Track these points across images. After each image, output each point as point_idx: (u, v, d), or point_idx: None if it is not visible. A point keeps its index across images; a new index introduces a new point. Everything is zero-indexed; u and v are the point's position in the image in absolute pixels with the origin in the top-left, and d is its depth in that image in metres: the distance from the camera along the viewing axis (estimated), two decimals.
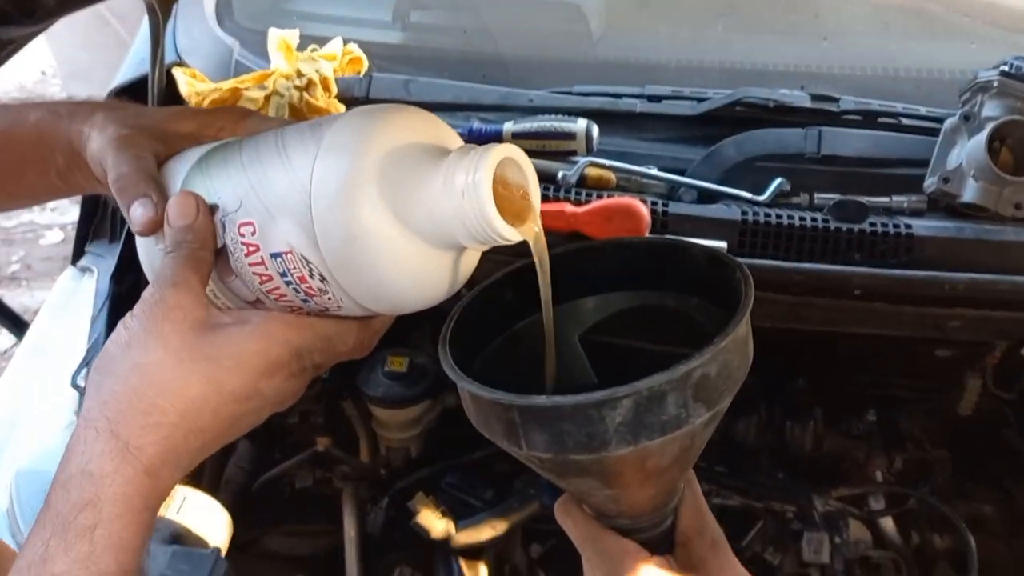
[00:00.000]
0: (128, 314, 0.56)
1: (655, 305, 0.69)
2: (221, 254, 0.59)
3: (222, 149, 0.62)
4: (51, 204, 4.03)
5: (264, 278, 0.58)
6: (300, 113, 1.26)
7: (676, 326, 0.68)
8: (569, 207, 1.15)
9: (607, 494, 0.63)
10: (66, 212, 3.91)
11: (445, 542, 1.23)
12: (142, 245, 0.65)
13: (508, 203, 0.56)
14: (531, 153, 1.19)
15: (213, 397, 0.54)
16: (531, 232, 0.59)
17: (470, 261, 0.61)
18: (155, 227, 0.59)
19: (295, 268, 0.56)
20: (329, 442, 1.37)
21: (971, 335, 1.20)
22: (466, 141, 1.32)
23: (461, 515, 1.26)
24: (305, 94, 1.26)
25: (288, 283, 0.58)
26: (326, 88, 1.29)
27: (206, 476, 1.39)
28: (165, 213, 0.59)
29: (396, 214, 0.55)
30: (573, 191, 1.21)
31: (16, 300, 3.19)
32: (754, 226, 1.16)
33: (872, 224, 1.16)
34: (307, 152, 0.56)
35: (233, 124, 0.67)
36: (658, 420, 0.53)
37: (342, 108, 1.30)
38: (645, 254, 0.69)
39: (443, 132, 0.60)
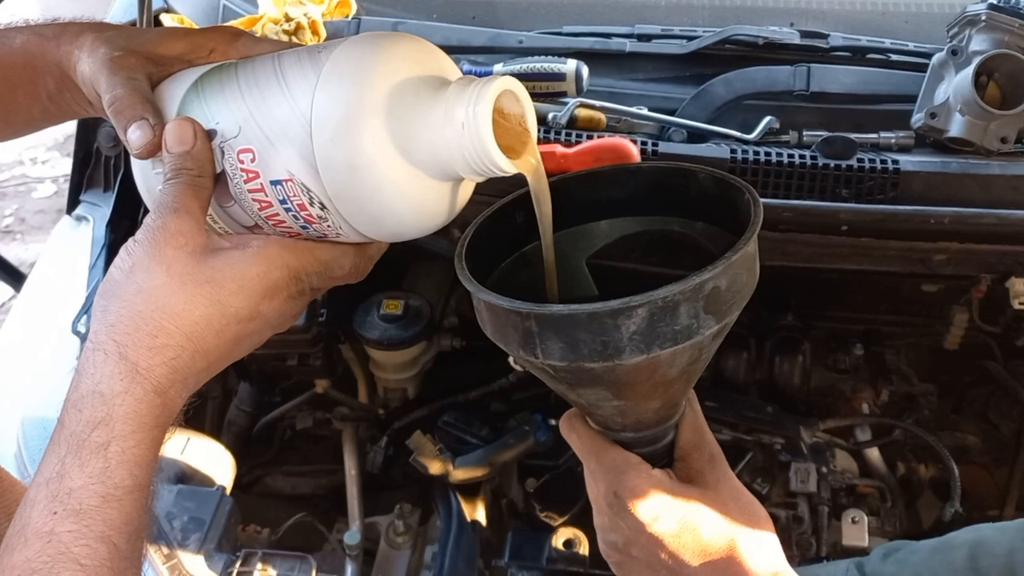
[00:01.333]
0: (131, 240, 0.57)
1: (660, 230, 0.70)
2: (220, 180, 0.60)
3: (217, 72, 0.62)
4: (42, 157, 4.00)
5: (263, 204, 0.59)
6: None
7: (681, 250, 0.69)
8: (559, 148, 1.16)
9: (615, 405, 0.64)
10: (57, 165, 3.89)
11: (443, 478, 1.27)
12: (139, 169, 0.65)
13: (506, 134, 0.57)
14: None
15: (217, 319, 0.55)
16: (528, 165, 0.60)
17: (467, 190, 0.62)
18: (153, 149, 0.59)
19: (295, 196, 0.57)
20: (328, 384, 1.39)
21: (956, 269, 1.22)
22: None
23: (458, 452, 1.29)
24: (294, 38, 1.26)
25: (288, 210, 0.59)
26: (315, 32, 1.29)
27: (209, 419, 1.43)
28: (163, 139, 0.59)
29: (397, 145, 0.56)
30: (563, 132, 1.22)
31: (11, 253, 3.18)
32: (743, 164, 1.17)
33: (860, 160, 1.17)
34: (306, 80, 0.56)
35: (225, 45, 0.66)
36: (670, 330, 0.55)
37: None
38: (652, 180, 0.69)
39: (442, 62, 0.60)
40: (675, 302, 0.54)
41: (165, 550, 1.06)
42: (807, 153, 1.19)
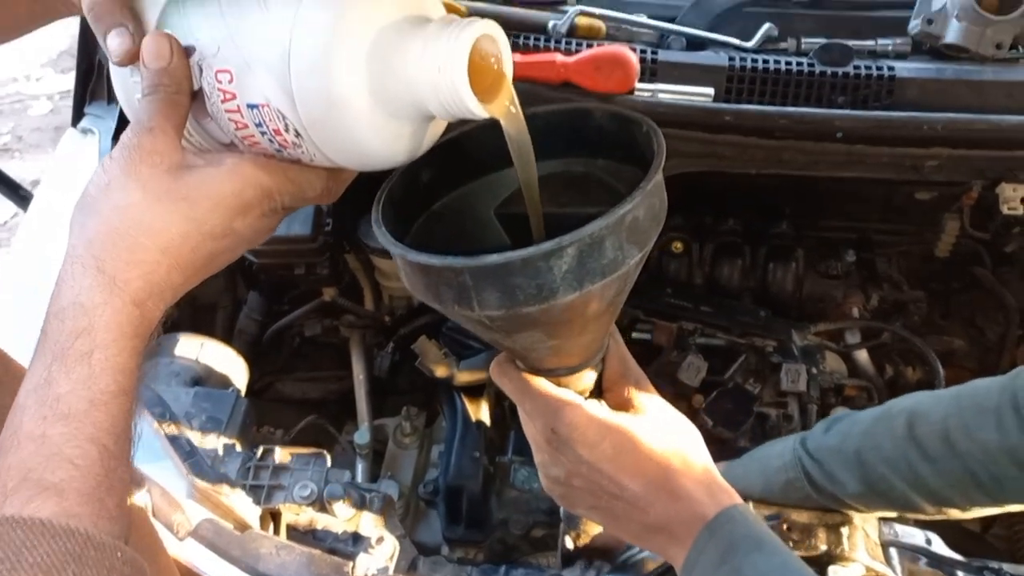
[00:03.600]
0: (107, 156, 0.58)
1: (563, 172, 0.71)
2: (198, 96, 0.60)
3: None
4: (36, 74, 3.97)
5: (239, 125, 0.60)
6: None
7: (588, 188, 0.70)
8: (560, 57, 1.18)
9: (548, 346, 0.66)
10: (52, 82, 3.86)
11: (448, 380, 1.32)
12: (117, 76, 0.65)
13: (483, 76, 0.58)
14: (522, 3, 1.22)
15: (192, 235, 0.57)
16: (502, 108, 0.61)
17: (440, 125, 0.64)
18: (131, 58, 0.59)
19: (271, 121, 0.58)
20: (335, 292, 1.43)
21: (948, 175, 1.25)
22: None
23: (462, 356, 1.33)
24: None
25: (263, 133, 0.59)
26: None
27: (219, 327, 1.47)
28: (140, 51, 0.59)
29: (373, 82, 0.57)
30: (563, 41, 1.23)
31: (9, 171, 3.18)
32: (741, 72, 1.19)
33: (856, 67, 1.19)
34: (287, 5, 0.56)
35: None
36: (599, 264, 0.57)
37: None
38: (550, 123, 0.69)
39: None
40: (601, 237, 0.56)
41: (186, 447, 1.11)
42: (804, 60, 1.21)
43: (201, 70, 0.59)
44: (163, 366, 1.27)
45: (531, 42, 1.23)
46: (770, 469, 0.99)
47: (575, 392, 0.73)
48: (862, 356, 1.44)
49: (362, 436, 1.36)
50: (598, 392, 0.75)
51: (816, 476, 0.94)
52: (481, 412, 1.35)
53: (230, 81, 0.58)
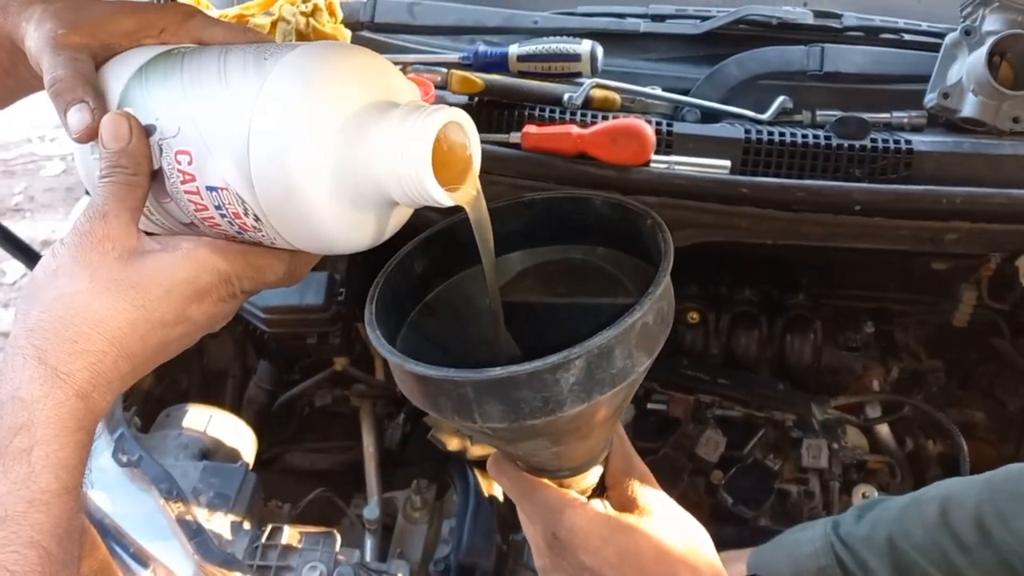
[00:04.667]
0: (58, 241, 0.56)
1: (561, 259, 0.70)
2: (158, 176, 0.59)
3: (164, 60, 0.60)
4: (50, 135, 4.01)
5: (199, 207, 0.59)
6: (307, 39, 1.27)
7: (586, 277, 0.68)
8: (575, 129, 1.17)
9: (552, 451, 0.64)
10: (65, 143, 3.90)
11: (461, 454, 1.29)
12: (79, 153, 0.63)
13: (449, 163, 0.57)
14: (537, 76, 1.22)
15: (141, 324, 0.55)
16: (467, 196, 0.59)
17: (406, 210, 0.62)
18: (92, 134, 0.58)
19: (230, 204, 0.57)
20: (346, 362, 1.41)
21: (967, 248, 1.24)
22: (472, 64, 1.32)
23: None
24: (311, 19, 1.27)
25: (223, 216, 0.58)
26: (332, 13, 1.30)
27: (229, 396, 1.45)
28: (99, 133, 0.57)
29: (334, 169, 0.55)
30: (579, 113, 1.23)
31: (21, 231, 3.19)
32: (757, 144, 1.19)
33: (873, 140, 1.18)
34: (248, 89, 0.55)
35: (176, 25, 0.64)
36: (607, 374, 0.55)
37: (348, 34, 1.31)
38: (548, 210, 0.68)
39: (393, 82, 0.59)
40: (610, 347, 0.54)
41: (193, 526, 1.09)
42: (820, 133, 1.20)
43: (161, 150, 0.58)
44: (171, 438, 1.25)
45: (546, 114, 1.23)
46: (800, 556, 0.96)
47: (577, 491, 0.70)
48: (883, 430, 1.41)
49: (371, 511, 1.33)
50: (601, 489, 0.72)
51: (849, 564, 0.92)
52: (494, 487, 1.32)
53: (190, 163, 0.57)
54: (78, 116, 0.58)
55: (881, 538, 0.89)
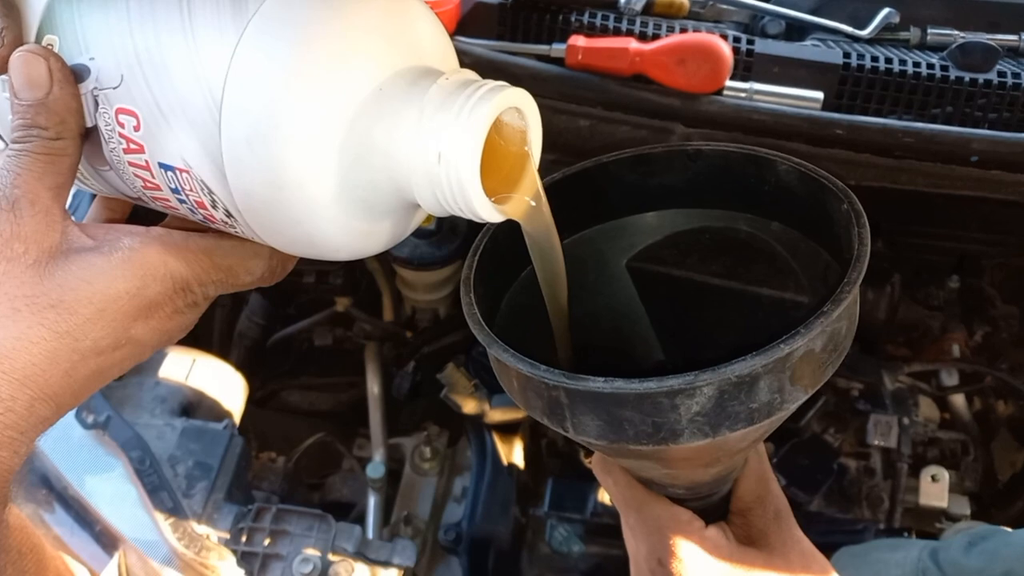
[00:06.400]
0: None
1: (724, 227, 0.57)
2: (93, 135, 0.43)
3: None
4: None
5: (149, 185, 0.43)
6: None
7: (751, 256, 0.56)
8: (634, 44, 0.95)
9: (664, 472, 0.54)
10: None
11: (478, 417, 1.13)
12: None
13: (499, 161, 0.41)
14: None
15: (64, 355, 0.40)
16: (522, 207, 0.44)
17: (423, 214, 0.46)
18: (1, 65, 0.42)
19: (192, 191, 0.41)
20: (349, 303, 1.24)
21: None
22: None
23: (494, 388, 1.15)
24: None
25: (181, 202, 0.42)
26: None
27: (217, 328, 1.28)
28: (8, 74, 0.42)
29: (340, 162, 0.39)
30: (638, 22, 1.00)
31: None
32: (857, 72, 0.96)
33: (1001, 74, 0.96)
34: (222, 35, 0.38)
35: None
36: (745, 409, 0.42)
37: None
38: (717, 165, 0.55)
39: (427, 37, 0.42)
40: (754, 377, 0.42)
41: (167, 502, 0.94)
42: (935, 60, 0.98)
43: (97, 103, 0.41)
44: (147, 388, 1.09)
45: (597, 21, 1.00)
46: None
47: (694, 512, 0.58)
48: (958, 400, 1.24)
49: (376, 469, 1.18)
50: (723, 514, 0.59)
51: None
52: (514, 453, 1.17)
53: (136, 128, 0.40)
54: None
55: (996, 572, 0.79)
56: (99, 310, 0.40)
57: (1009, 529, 0.89)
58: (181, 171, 0.40)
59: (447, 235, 1.14)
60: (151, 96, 0.39)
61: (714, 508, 0.59)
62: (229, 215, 0.41)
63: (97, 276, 0.40)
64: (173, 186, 0.42)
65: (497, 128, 0.40)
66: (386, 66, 0.39)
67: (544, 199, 0.45)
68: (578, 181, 0.55)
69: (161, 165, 0.41)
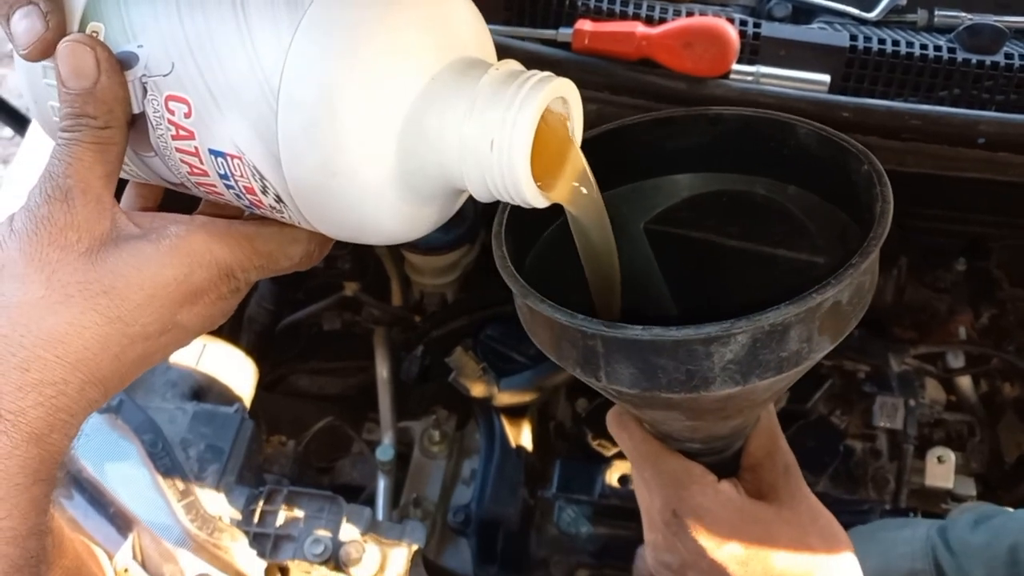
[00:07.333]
0: (5, 224, 0.42)
1: (741, 191, 0.59)
2: (139, 121, 0.44)
3: None
4: None
5: (196, 171, 0.45)
6: None
7: (767, 219, 0.57)
8: (640, 28, 0.95)
9: (687, 425, 0.55)
10: None
11: (486, 401, 1.14)
12: (25, 74, 0.48)
13: (545, 148, 0.43)
14: None
15: (115, 340, 0.42)
16: (567, 191, 0.46)
17: (465, 196, 0.48)
18: (46, 49, 0.44)
19: (242, 177, 0.43)
20: (357, 288, 1.25)
21: None
22: None
23: (502, 371, 1.16)
24: None
25: (229, 188, 0.44)
26: None
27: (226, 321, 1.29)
28: (55, 62, 0.43)
29: (393, 149, 0.41)
30: (645, 5, 1.00)
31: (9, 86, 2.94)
32: (864, 55, 0.96)
33: (1008, 56, 0.96)
34: (277, 28, 0.40)
35: None
36: (775, 357, 0.44)
37: None
38: (736, 129, 0.56)
39: (476, 32, 0.45)
40: (786, 326, 0.44)
41: (180, 485, 0.95)
42: (943, 43, 0.98)
43: (146, 90, 0.43)
44: (159, 373, 1.09)
45: (604, 5, 1.00)
46: (893, 555, 0.86)
47: (707, 467, 0.60)
48: (965, 382, 1.24)
49: (385, 452, 1.19)
50: (735, 469, 0.62)
51: (948, 570, 0.82)
52: (522, 435, 1.17)
53: (187, 115, 0.42)
54: (25, 23, 0.43)
55: (1002, 548, 0.80)
56: (149, 296, 0.42)
57: (1011, 510, 0.90)
58: (233, 157, 0.42)
59: (455, 220, 1.14)
60: (203, 84, 0.41)
61: (726, 463, 0.61)
62: (279, 200, 0.43)
63: (146, 263, 0.42)
64: (222, 172, 0.43)
65: (543, 116, 0.42)
66: (438, 57, 0.41)
67: (594, 184, 0.47)
68: (598, 144, 0.56)
69: (211, 151, 0.42)
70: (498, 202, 0.45)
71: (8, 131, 3.07)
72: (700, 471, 0.59)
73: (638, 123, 0.57)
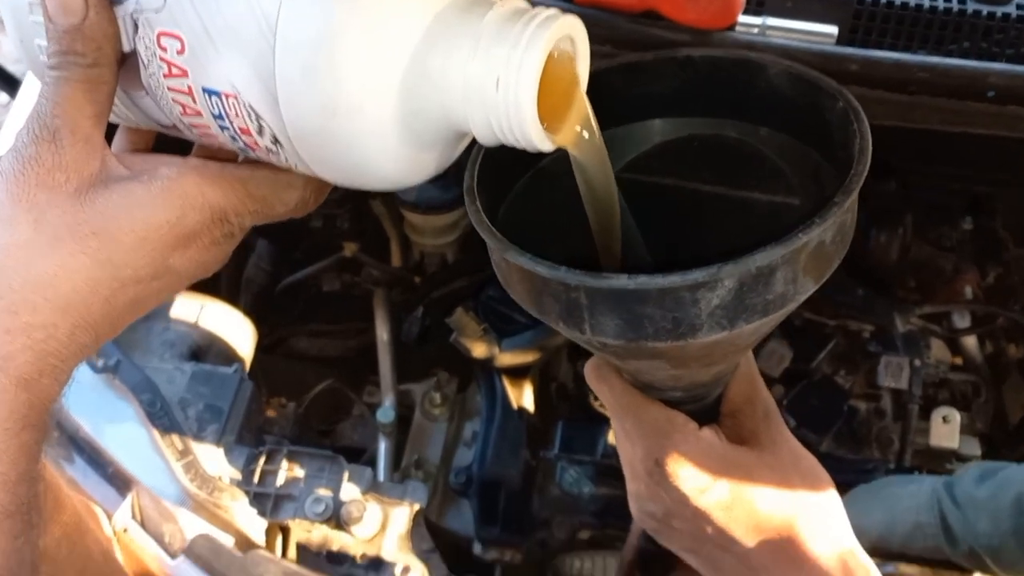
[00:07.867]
0: None
1: (711, 135, 0.57)
2: (130, 60, 0.43)
3: None
4: None
5: (188, 111, 0.43)
6: None
7: (740, 162, 0.56)
8: None
9: (670, 374, 0.54)
10: None
11: (487, 361, 1.13)
12: (12, 11, 0.45)
13: (550, 89, 0.41)
14: None
15: (105, 283, 0.41)
16: (572, 135, 0.44)
17: (467, 140, 0.47)
18: None
19: (237, 117, 0.41)
20: (356, 248, 1.23)
21: None
22: None
23: (504, 332, 1.14)
24: None
25: (223, 128, 0.43)
26: None
27: (224, 280, 1.28)
28: None
29: (395, 90, 0.39)
30: None
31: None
32: (872, 7, 0.94)
33: (1020, 7, 0.94)
34: None
35: None
36: (761, 300, 0.43)
37: None
38: (706, 73, 0.54)
39: None
40: (772, 268, 0.42)
41: (179, 444, 0.95)
42: None
43: (136, 26, 0.41)
44: (156, 333, 1.09)
45: None
46: (898, 508, 0.87)
47: (687, 415, 0.59)
48: (970, 342, 1.23)
49: (386, 414, 1.19)
50: (715, 416, 0.60)
51: (954, 525, 0.83)
52: (524, 396, 1.17)
53: (179, 52, 0.40)
54: None
55: (1007, 499, 0.81)
56: (140, 238, 0.41)
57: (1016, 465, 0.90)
58: (228, 96, 0.40)
59: (455, 178, 1.13)
60: (197, 19, 0.39)
61: (707, 411, 0.60)
62: (275, 141, 0.41)
63: (138, 205, 0.41)
64: (216, 112, 0.41)
65: (552, 60, 0.41)
66: None
67: (596, 128, 0.45)
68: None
69: (205, 90, 0.41)
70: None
71: (7, 98, 3.04)
72: (682, 419, 0.58)
73: (607, 68, 0.55)
